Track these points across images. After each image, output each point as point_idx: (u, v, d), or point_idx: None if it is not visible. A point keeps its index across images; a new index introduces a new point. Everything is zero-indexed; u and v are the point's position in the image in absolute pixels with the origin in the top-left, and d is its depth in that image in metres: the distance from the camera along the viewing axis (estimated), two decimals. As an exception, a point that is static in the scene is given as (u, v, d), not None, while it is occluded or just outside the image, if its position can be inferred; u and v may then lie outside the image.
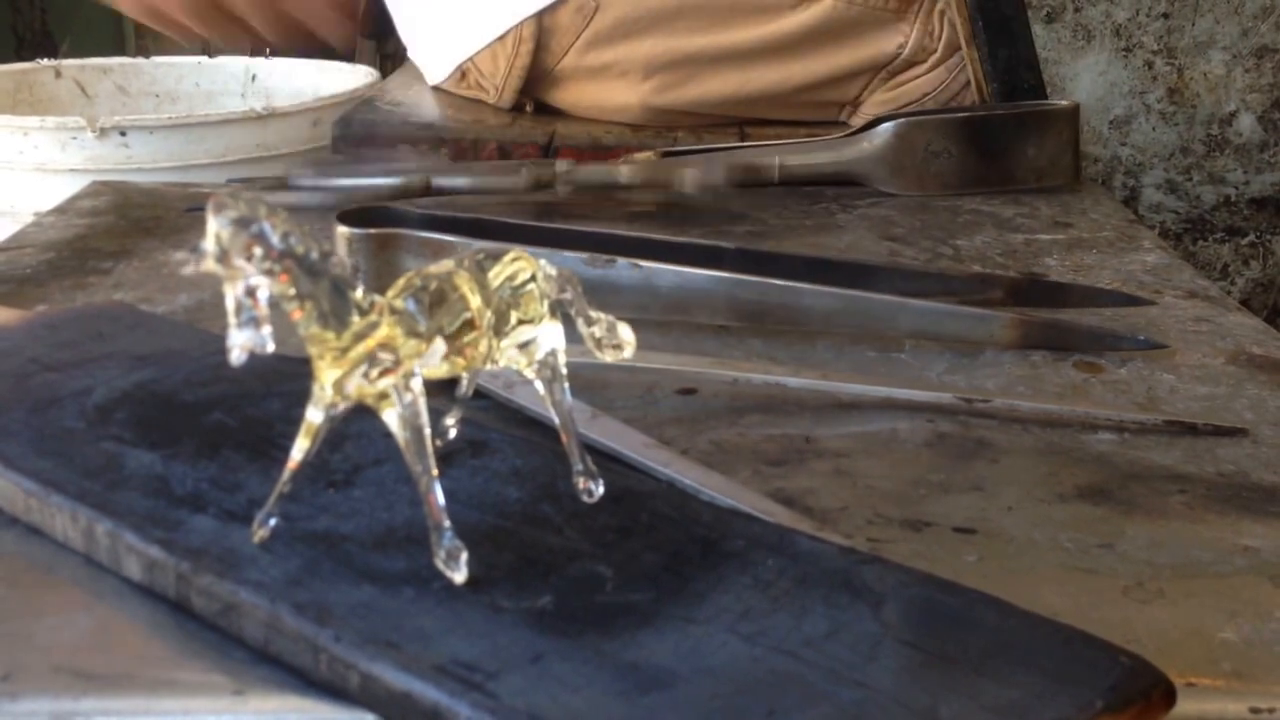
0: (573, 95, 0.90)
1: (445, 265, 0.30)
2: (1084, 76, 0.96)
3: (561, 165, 0.66)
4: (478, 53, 0.89)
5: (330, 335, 0.29)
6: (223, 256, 0.27)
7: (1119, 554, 0.35)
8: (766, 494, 0.38)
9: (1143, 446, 0.42)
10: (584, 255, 0.50)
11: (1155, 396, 0.46)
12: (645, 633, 0.28)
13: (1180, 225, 0.99)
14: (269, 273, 0.27)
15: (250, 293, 0.27)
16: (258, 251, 0.27)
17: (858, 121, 0.86)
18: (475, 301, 0.30)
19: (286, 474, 0.31)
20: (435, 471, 0.30)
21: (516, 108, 0.91)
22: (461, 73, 0.93)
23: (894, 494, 0.39)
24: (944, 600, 0.30)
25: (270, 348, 0.27)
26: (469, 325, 0.30)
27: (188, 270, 0.26)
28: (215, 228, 0.26)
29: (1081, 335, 0.50)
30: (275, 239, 0.27)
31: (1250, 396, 0.46)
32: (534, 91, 0.91)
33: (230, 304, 0.27)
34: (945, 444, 0.42)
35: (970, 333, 0.50)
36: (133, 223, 0.67)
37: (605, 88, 0.88)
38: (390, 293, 0.30)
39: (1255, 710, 0.29)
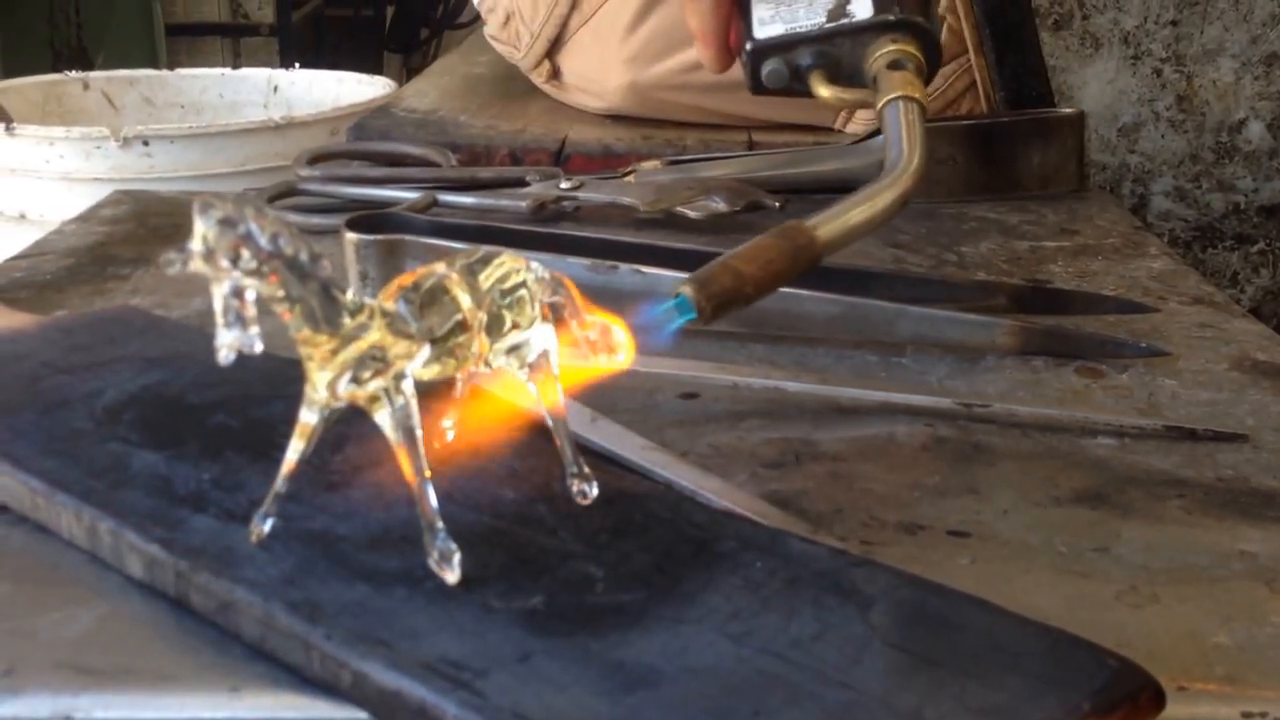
0: (574, 59, 0.91)
1: (435, 268, 0.31)
2: (1092, 84, 0.95)
3: (566, 184, 0.67)
4: None
5: (322, 338, 0.29)
6: (209, 256, 0.27)
7: (1114, 557, 0.35)
8: (763, 497, 0.38)
9: (1142, 451, 0.42)
10: (587, 261, 0.51)
11: (1156, 402, 0.46)
12: (634, 633, 0.29)
13: (1189, 233, 0.98)
14: (257, 274, 0.27)
15: (238, 293, 0.27)
16: (245, 253, 0.27)
17: (853, 128, 0.86)
18: (466, 302, 0.31)
19: (282, 474, 0.31)
20: (428, 473, 0.30)
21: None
22: (506, 16, 0.94)
23: (890, 497, 0.39)
24: (932, 602, 0.30)
25: (258, 348, 0.28)
26: (461, 326, 0.31)
27: (173, 270, 0.26)
28: (201, 228, 0.27)
29: (1083, 341, 0.50)
30: (263, 240, 0.27)
31: (1252, 402, 0.46)
32: (555, 53, 0.92)
33: (217, 304, 0.27)
34: (943, 448, 0.42)
35: (971, 339, 0.50)
36: (151, 230, 0.68)
37: (592, 54, 0.88)
38: (381, 295, 0.30)
39: (1247, 715, 0.29)
